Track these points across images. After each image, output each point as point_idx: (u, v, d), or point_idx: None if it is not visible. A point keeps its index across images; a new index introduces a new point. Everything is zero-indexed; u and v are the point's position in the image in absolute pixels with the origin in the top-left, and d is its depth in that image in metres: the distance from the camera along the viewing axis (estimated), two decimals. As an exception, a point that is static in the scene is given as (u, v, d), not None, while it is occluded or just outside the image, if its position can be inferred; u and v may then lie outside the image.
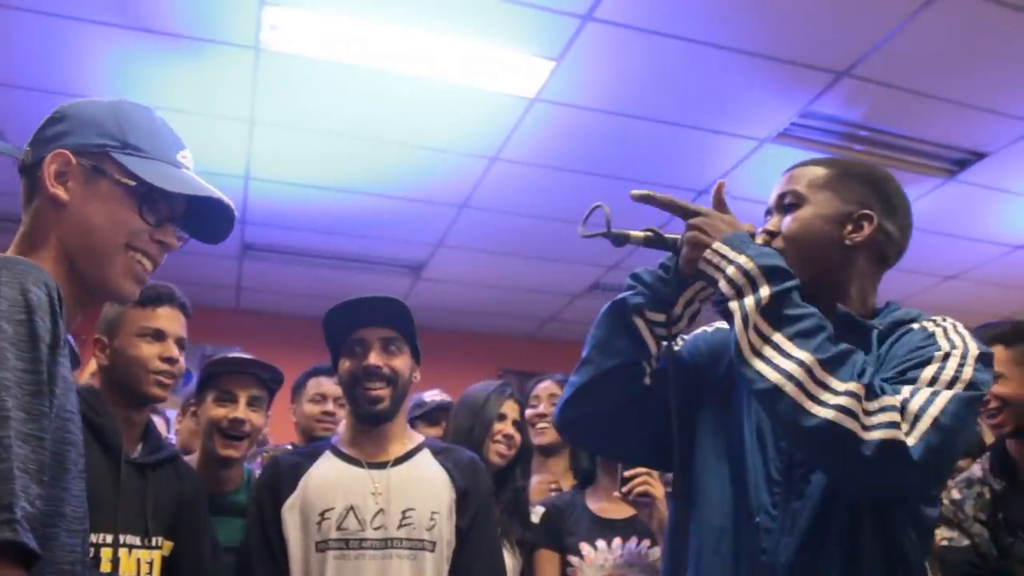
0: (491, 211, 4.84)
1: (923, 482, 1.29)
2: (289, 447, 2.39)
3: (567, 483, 2.95)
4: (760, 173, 4.44)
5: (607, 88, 3.73)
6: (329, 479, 2.13)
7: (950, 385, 1.27)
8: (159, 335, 2.09)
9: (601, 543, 2.53)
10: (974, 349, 1.35)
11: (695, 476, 1.50)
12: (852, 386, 1.21)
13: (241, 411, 2.38)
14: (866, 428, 1.19)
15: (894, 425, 1.19)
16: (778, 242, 1.48)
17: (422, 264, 5.71)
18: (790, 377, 1.23)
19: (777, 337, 1.27)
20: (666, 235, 1.44)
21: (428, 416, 3.12)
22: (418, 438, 2.30)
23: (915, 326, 1.44)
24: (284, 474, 2.15)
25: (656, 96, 3.79)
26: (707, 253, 1.36)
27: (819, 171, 1.52)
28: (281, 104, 3.81)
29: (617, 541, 2.53)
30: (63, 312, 1.12)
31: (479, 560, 2.16)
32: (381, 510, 2.10)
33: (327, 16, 3.23)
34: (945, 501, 2.54)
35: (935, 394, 1.25)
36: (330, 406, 3.39)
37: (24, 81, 3.60)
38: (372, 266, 5.68)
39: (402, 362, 2.21)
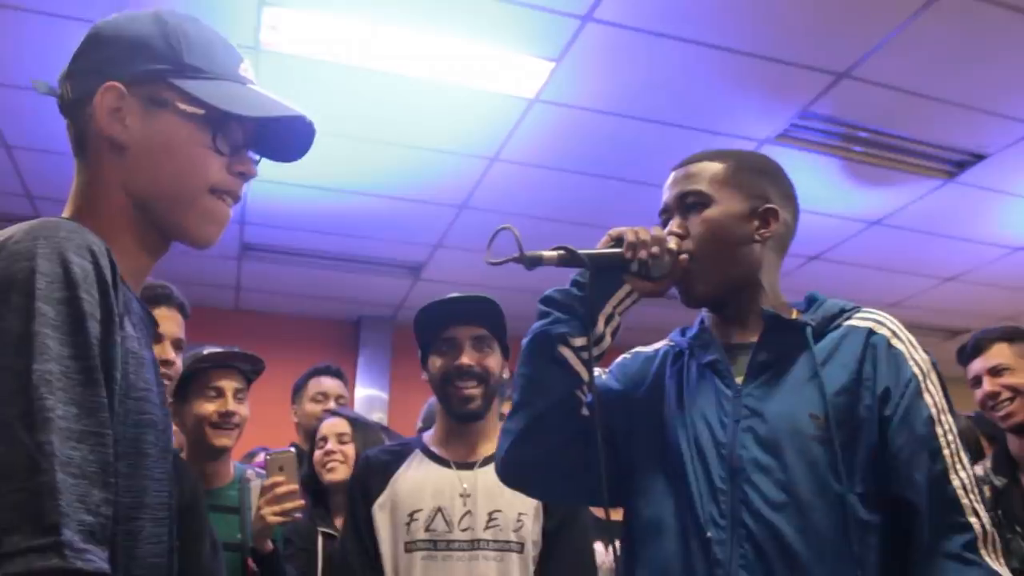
0: (490, 212, 4.84)
1: None
2: (291, 449, 2.39)
3: None
4: (760, 174, 4.44)
5: (606, 89, 3.73)
6: (418, 479, 2.14)
7: (959, 458, 1.32)
8: (155, 337, 2.08)
9: (599, 546, 2.52)
10: (934, 373, 1.39)
11: (638, 502, 1.46)
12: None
13: (230, 404, 2.40)
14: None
15: None
16: (688, 244, 1.44)
17: (421, 265, 5.71)
18: None
19: None
20: (580, 252, 1.37)
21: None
22: None
23: (857, 324, 1.42)
24: (374, 473, 2.18)
25: (655, 97, 3.79)
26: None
27: (717, 167, 1.48)
28: (281, 104, 3.80)
29: (618, 544, 2.53)
30: (117, 277, 0.98)
31: (565, 562, 2.14)
32: (468, 511, 2.10)
33: (327, 17, 3.23)
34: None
35: (973, 486, 1.31)
36: (331, 405, 3.39)
37: (25, 81, 3.60)
38: (371, 267, 5.68)
39: (493, 360, 2.20)
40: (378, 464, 2.20)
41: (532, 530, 2.13)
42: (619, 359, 1.62)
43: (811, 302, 1.50)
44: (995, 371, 2.50)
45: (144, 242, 1.13)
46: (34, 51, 3.38)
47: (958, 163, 4.40)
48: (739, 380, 1.42)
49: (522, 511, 2.12)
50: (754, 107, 3.89)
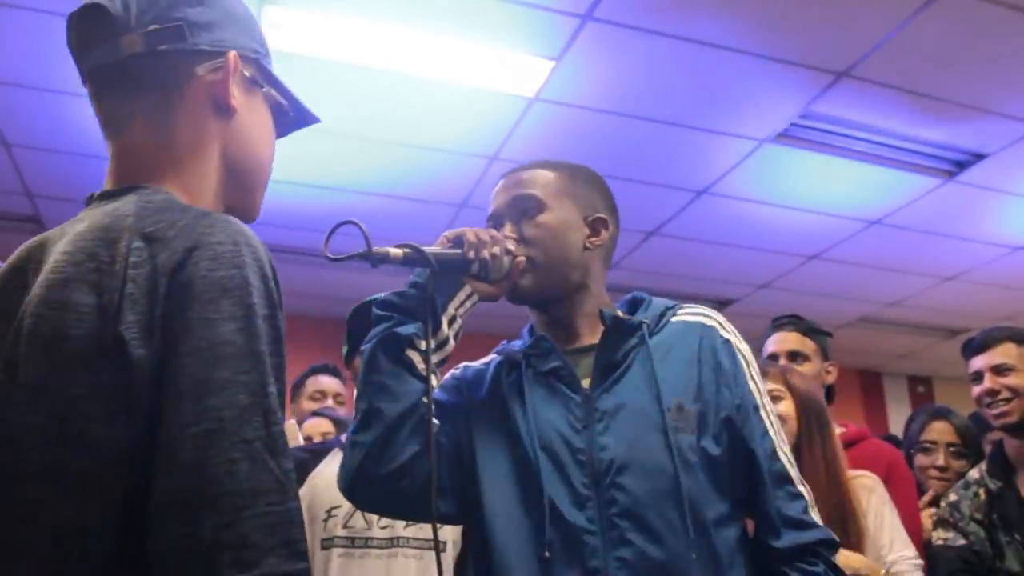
0: (490, 211, 4.84)
1: None
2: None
3: None
4: (760, 174, 4.45)
5: (606, 88, 3.73)
6: (335, 474, 2.11)
7: (774, 426, 1.43)
8: None
9: None
10: (754, 361, 1.47)
11: (491, 523, 1.37)
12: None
13: None
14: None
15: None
16: (525, 249, 1.44)
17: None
18: None
19: None
20: (427, 250, 1.35)
21: None
22: None
23: (686, 319, 1.47)
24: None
25: (655, 96, 3.79)
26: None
27: (550, 175, 1.50)
28: (281, 103, 3.80)
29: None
30: None
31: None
32: None
33: (327, 15, 3.23)
34: (942, 503, 2.55)
35: (791, 465, 1.43)
36: (329, 403, 3.40)
37: (24, 80, 3.60)
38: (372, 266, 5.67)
39: None
40: (296, 462, 2.13)
41: (452, 529, 2.09)
42: (448, 374, 1.56)
43: (635, 303, 1.52)
44: (999, 369, 2.50)
45: (217, 208, 1.10)
46: (34, 49, 3.38)
47: (958, 162, 4.40)
48: (585, 384, 1.41)
49: None
50: (754, 106, 3.89)
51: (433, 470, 1.30)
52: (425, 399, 1.36)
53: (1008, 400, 2.44)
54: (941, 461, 2.93)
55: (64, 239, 0.96)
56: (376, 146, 4.21)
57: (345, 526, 2.05)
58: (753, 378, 1.43)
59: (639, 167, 4.37)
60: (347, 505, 2.06)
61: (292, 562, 0.81)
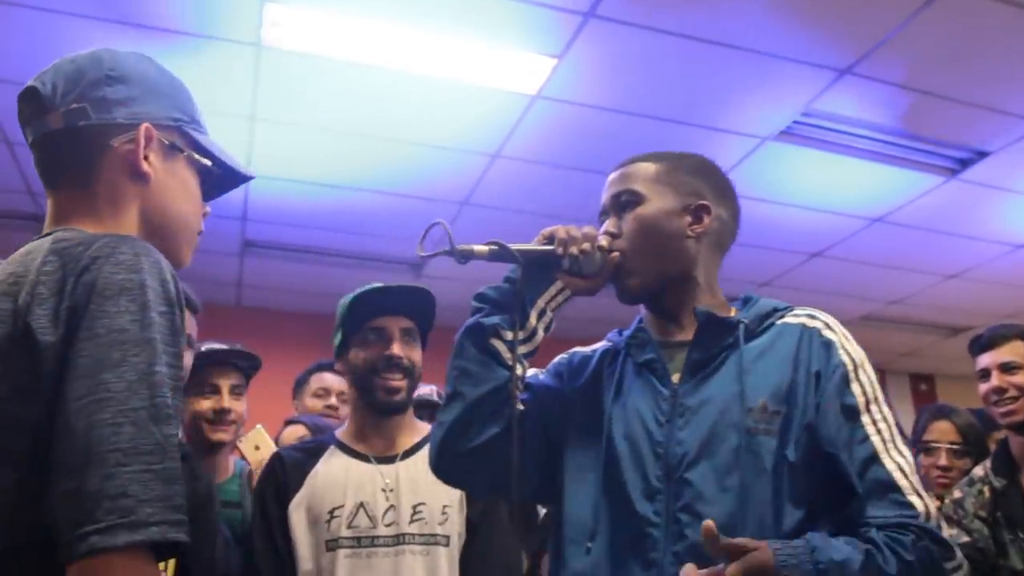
0: (492, 208, 4.84)
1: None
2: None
3: None
4: (762, 171, 4.44)
5: (609, 85, 3.73)
6: (337, 476, 2.09)
7: (893, 438, 1.33)
8: None
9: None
10: (867, 364, 1.40)
11: (569, 503, 1.44)
12: None
13: (226, 401, 2.40)
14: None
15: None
16: (620, 242, 1.47)
17: (422, 262, 5.70)
18: None
19: None
20: (512, 247, 1.40)
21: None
22: (424, 429, 2.23)
23: (790, 321, 1.43)
24: (289, 472, 2.10)
25: (658, 93, 3.78)
26: None
27: (650, 167, 1.52)
28: (282, 101, 3.81)
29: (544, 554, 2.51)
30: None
31: (491, 552, 2.11)
32: (392, 506, 2.05)
33: (328, 13, 3.23)
34: (946, 500, 2.55)
35: (910, 469, 1.31)
36: (333, 400, 3.39)
37: (24, 78, 3.59)
38: (373, 263, 5.67)
39: (418, 354, 2.18)
40: (293, 462, 2.12)
41: (457, 522, 2.09)
42: (557, 358, 1.62)
43: (746, 302, 1.51)
44: (1007, 367, 2.50)
45: None
46: (36, 48, 3.38)
47: (961, 160, 4.40)
48: (675, 379, 1.42)
49: (447, 503, 2.08)
50: (757, 104, 3.88)
51: (514, 455, 1.36)
52: (510, 387, 1.42)
53: (1015, 399, 2.44)
54: (943, 461, 2.92)
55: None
56: (378, 144, 4.20)
57: (349, 526, 2.02)
58: (859, 381, 1.36)
59: (641, 165, 4.36)
60: (349, 504, 2.04)
61: (167, 513, 0.93)
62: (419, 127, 4.05)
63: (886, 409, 1.36)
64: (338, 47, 3.42)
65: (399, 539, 2.03)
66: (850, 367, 1.36)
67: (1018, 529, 2.35)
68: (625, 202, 1.50)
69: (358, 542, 2.02)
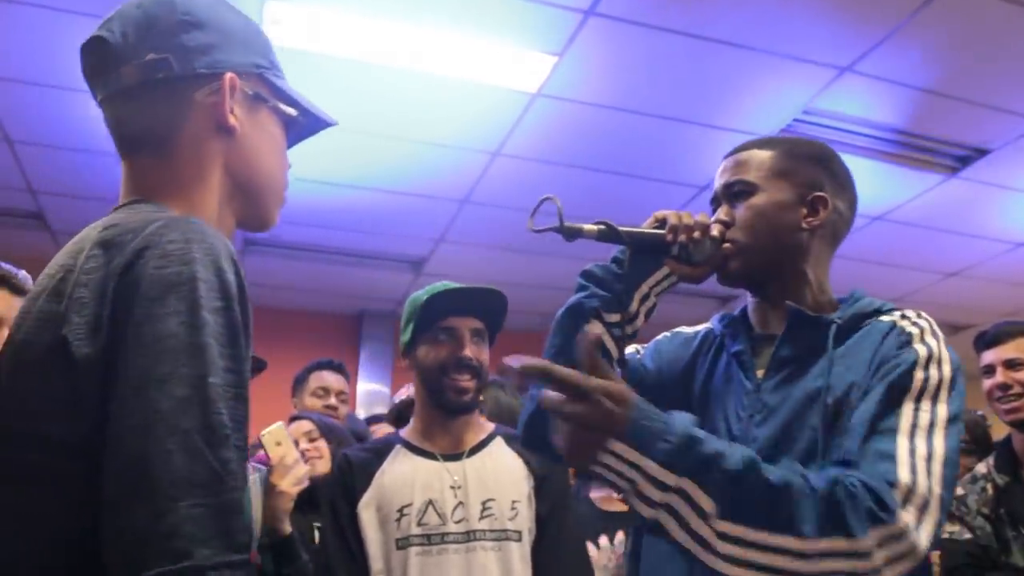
0: (493, 206, 4.84)
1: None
2: (279, 423, 2.38)
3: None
4: (762, 169, 4.44)
5: (609, 83, 3.72)
6: (404, 474, 2.08)
7: (931, 431, 1.19)
8: None
9: (604, 540, 2.51)
10: (948, 363, 1.26)
11: None
12: (845, 545, 1.08)
13: None
14: (880, 570, 1.08)
15: (908, 553, 1.10)
16: (734, 232, 1.42)
17: (423, 260, 5.71)
18: (784, 572, 1.08)
19: (751, 534, 1.08)
20: (620, 228, 1.36)
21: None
22: (489, 427, 2.23)
23: (883, 319, 1.35)
24: (356, 472, 2.10)
25: (658, 91, 3.78)
26: (605, 459, 1.09)
27: (766, 155, 1.46)
28: (283, 99, 3.80)
29: (620, 536, 2.52)
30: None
31: (562, 545, 2.10)
32: (460, 503, 2.05)
33: (329, 11, 3.23)
34: (948, 497, 2.55)
35: (930, 463, 1.16)
36: (332, 400, 3.39)
37: (27, 76, 3.60)
38: (374, 261, 5.67)
39: (486, 354, 2.17)
40: (360, 462, 2.13)
41: (527, 517, 2.08)
42: (657, 338, 1.60)
43: (852, 301, 1.45)
44: (1011, 364, 2.50)
45: (223, 223, 1.14)
46: (37, 46, 3.38)
47: (961, 158, 4.40)
48: (760, 374, 1.40)
49: (516, 499, 2.08)
50: (757, 102, 3.88)
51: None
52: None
53: (1019, 395, 2.44)
54: None
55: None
56: (378, 141, 4.20)
57: (419, 523, 2.02)
58: (927, 370, 1.23)
59: (642, 163, 4.36)
60: (418, 502, 2.04)
61: (227, 554, 0.82)
62: (419, 125, 4.05)
63: (944, 411, 1.22)
64: (339, 45, 3.42)
65: (470, 535, 2.02)
66: (922, 356, 1.25)
67: (1020, 525, 2.35)
68: (738, 192, 1.45)
69: (428, 540, 2.01)
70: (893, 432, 1.19)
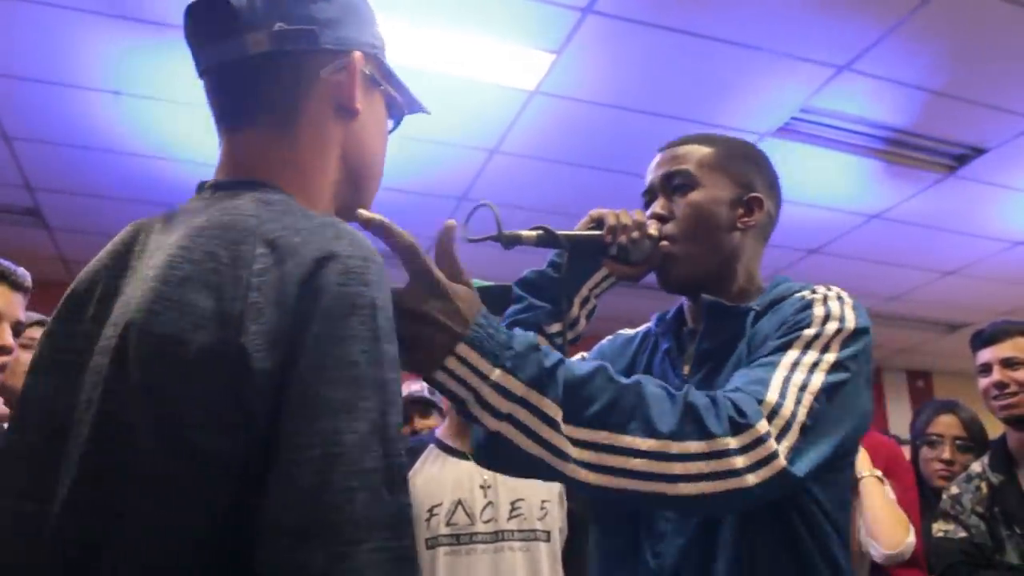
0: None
1: (813, 484, 1.22)
2: None
3: None
4: (760, 167, 4.44)
5: (607, 81, 3.72)
6: (435, 474, 2.08)
7: (812, 369, 1.18)
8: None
9: None
10: (850, 321, 1.25)
11: None
12: (703, 446, 1.06)
13: None
14: (742, 474, 1.06)
15: (769, 459, 1.08)
16: (670, 227, 1.40)
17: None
18: (642, 475, 1.05)
19: (602, 436, 1.05)
20: (559, 232, 1.33)
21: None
22: None
23: (795, 296, 1.34)
24: None
25: (656, 89, 3.78)
26: (447, 363, 1.04)
27: (706, 150, 1.45)
28: (281, 96, 3.79)
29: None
30: None
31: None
32: (490, 502, 2.04)
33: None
34: (944, 496, 2.55)
35: (802, 391, 1.15)
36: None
37: (25, 73, 3.59)
38: (371, 258, 5.67)
39: None
40: None
41: (558, 517, 2.08)
42: (600, 342, 1.60)
43: (772, 286, 1.46)
44: (1009, 363, 2.51)
45: (332, 208, 1.08)
46: (35, 42, 3.37)
47: (958, 157, 4.40)
48: (686, 370, 1.40)
49: (546, 499, 2.07)
50: (755, 100, 3.88)
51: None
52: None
53: (1016, 394, 2.45)
54: (947, 455, 2.92)
55: (178, 230, 0.92)
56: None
57: (448, 523, 2.02)
58: (820, 329, 1.24)
59: (639, 161, 4.31)
60: (447, 502, 2.04)
61: None
62: (417, 122, 4.01)
63: (832, 356, 1.21)
64: (336, 42, 3.42)
65: (498, 535, 2.02)
66: (819, 316, 1.26)
67: (1015, 524, 2.35)
68: (678, 184, 1.43)
69: (457, 539, 2.01)
70: (773, 365, 1.19)
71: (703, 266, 1.41)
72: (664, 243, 1.40)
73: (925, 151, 4.33)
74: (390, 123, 1.16)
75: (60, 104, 3.78)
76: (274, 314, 0.81)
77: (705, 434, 1.06)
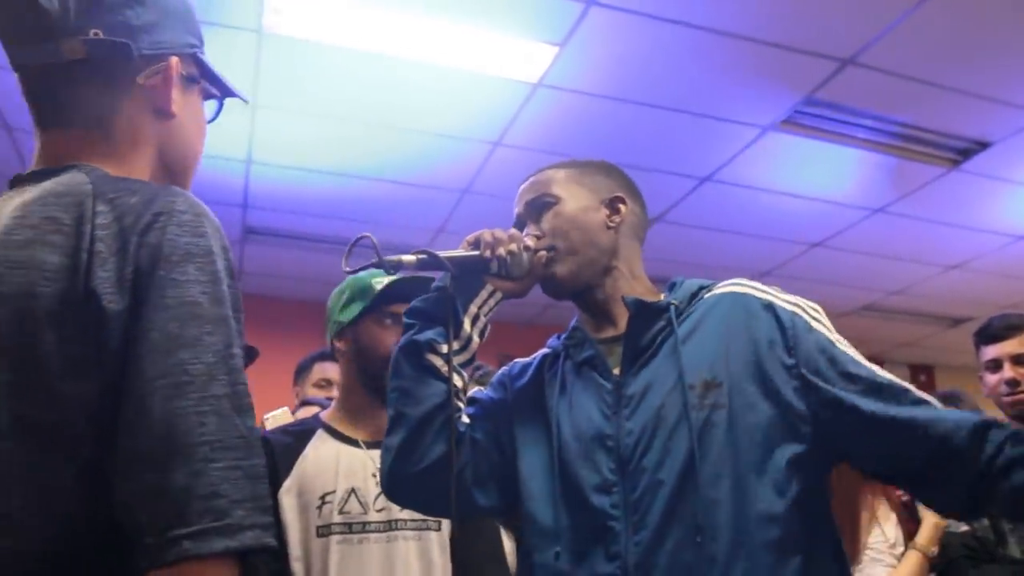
0: (493, 197, 4.83)
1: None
2: (284, 408, 2.36)
3: None
4: (763, 161, 4.44)
5: (610, 74, 3.72)
6: (327, 460, 2.05)
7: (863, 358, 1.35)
8: None
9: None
10: (809, 306, 1.39)
11: (531, 508, 1.42)
12: None
13: None
14: None
15: None
16: (544, 241, 1.47)
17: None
18: None
19: None
20: (440, 254, 1.38)
21: None
22: None
23: (717, 291, 1.43)
24: (279, 456, 2.05)
25: (659, 82, 3.78)
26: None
27: (560, 172, 1.56)
28: (283, 88, 3.80)
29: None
30: None
31: (479, 534, 2.10)
32: (382, 492, 2.05)
33: (329, 0, 3.22)
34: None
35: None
36: (335, 391, 3.39)
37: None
38: (373, 251, 5.66)
39: None
40: (282, 446, 2.06)
41: None
42: (499, 371, 1.63)
43: (673, 286, 1.51)
44: (1019, 359, 2.50)
45: None
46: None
47: (962, 151, 4.39)
48: (616, 372, 1.42)
49: None
50: (758, 93, 3.87)
51: (452, 468, 1.35)
52: (456, 401, 1.42)
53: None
54: None
55: (7, 208, 0.97)
56: (379, 131, 4.20)
57: (341, 511, 2.00)
58: (819, 321, 1.37)
59: (642, 154, 4.36)
60: (340, 490, 2.01)
61: (258, 515, 0.85)
62: (420, 115, 4.05)
63: (845, 340, 1.38)
64: (340, 34, 3.41)
65: (391, 525, 2.01)
66: (801, 312, 1.37)
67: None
68: (542, 204, 1.52)
69: (350, 528, 1.99)
70: (872, 374, 1.32)
71: (585, 266, 1.47)
72: (541, 253, 1.46)
73: (928, 144, 4.32)
74: (210, 112, 1.23)
75: (63, 96, 3.78)
76: (118, 261, 0.88)
77: None
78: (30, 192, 0.98)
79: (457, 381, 1.44)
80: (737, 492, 1.26)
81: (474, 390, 1.56)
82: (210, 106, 1.23)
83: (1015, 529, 2.35)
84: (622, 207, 1.53)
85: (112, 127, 1.06)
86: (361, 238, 1.35)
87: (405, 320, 1.48)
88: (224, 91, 1.20)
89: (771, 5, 3.25)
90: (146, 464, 0.82)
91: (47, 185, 0.97)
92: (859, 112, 4.03)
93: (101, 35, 1.02)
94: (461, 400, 1.47)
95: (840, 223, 5.23)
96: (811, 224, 5.24)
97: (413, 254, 1.37)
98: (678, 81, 3.77)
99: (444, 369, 1.42)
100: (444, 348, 1.43)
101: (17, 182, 1.07)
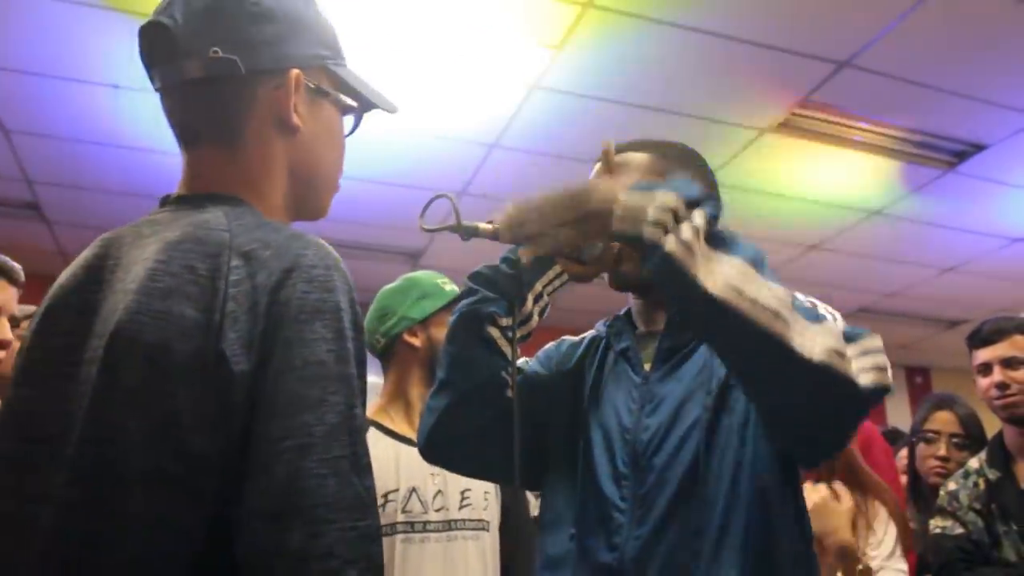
0: (490, 198, 4.82)
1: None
2: None
3: None
4: (760, 163, 4.44)
5: (607, 76, 3.72)
6: (387, 459, 2.03)
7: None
8: None
9: None
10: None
11: (549, 490, 1.47)
12: (833, 329, 1.15)
13: None
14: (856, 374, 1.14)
15: (881, 369, 1.18)
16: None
17: (420, 252, 5.70)
18: (776, 316, 1.10)
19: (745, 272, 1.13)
20: None
21: None
22: None
23: None
24: None
25: (656, 84, 3.78)
26: (618, 211, 1.17)
27: (642, 157, 1.52)
28: (280, 90, 3.79)
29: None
30: None
31: (521, 536, 2.11)
32: (440, 491, 2.03)
33: (326, 1, 3.22)
34: (941, 492, 2.56)
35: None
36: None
37: (24, 66, 3.58)
38: (370, 253, 5.66)
39: None
40: None
41: (496, 508, 2.09)
42: (546, 346, 1.62)
43: None
44: (1010, 362, 2.50)
45: (286, 217, 1.15)
46: (34, 36, 3.37)
47: (958, 153, 4.40)
48: (647, 367, 1.42)
49: (487, 489, 2.08)
50: (754, 95, 3.88)
51: (516, 444, 1.32)
52: (504, 374, 1.41)
53: (1017, 393, 2.45)
54: (943, 451, 2.91)
55: (152, 244, 0.98)
56: (375, 133, 4.20)
57: (404, 510, 2.00)
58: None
59: (639, 156, 4.35)
60: (403, 489, 2.01)
61: (372, 574, 0.86)
62: (417, 116, 4.04)
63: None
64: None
65: (450, 524, 2.02)
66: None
67: (1012, 521, 2.35)
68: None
69: (412, 527, 2.00)
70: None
71: None
72: (614, 244, 1.41)
73: (924, 147, 4.32)
74: (349, 126, 1.22)
75: (59, 98, 3.77)
76: (248, 321, 0.89)
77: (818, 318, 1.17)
78: (173, 230, 0.99)
79: (509, 355, 1.42)
80: (732, 496, 1.27)
81: (519, 363, 1.53)
82: (350, 120, 1.21)
83: (1009, 532, 2.35)
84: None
85: (241, 144, 1.08)
86: (438, 196, 1.35)
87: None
88: (364, 104, 1.19)
89: (767, 7, 3.26)
90: (268, 523, 0.84)
91: (188, 226, 0.98)
92: (856, 115, 4.04)
93: (220, 53, 1.04)
94: (509, 375, 1.44)
95: (836, 225, 5.23)
96: (807, 226, 5.24)
97: (488, 222, 1.36)
98: (675, 83, 3.77)
99: (501, 342, 1.41)
100: (504, 322, 1.41)
101: (164, 202, 1.10)
